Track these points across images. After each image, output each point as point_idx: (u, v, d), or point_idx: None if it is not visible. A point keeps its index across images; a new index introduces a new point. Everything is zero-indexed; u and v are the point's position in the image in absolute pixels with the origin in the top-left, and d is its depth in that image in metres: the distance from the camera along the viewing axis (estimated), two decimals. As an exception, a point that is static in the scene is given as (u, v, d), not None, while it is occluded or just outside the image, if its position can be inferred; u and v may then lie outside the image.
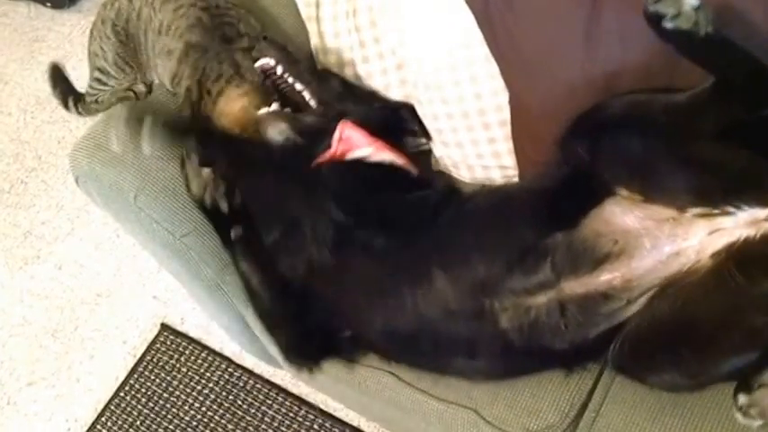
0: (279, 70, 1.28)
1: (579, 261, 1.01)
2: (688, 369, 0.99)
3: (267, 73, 1.28)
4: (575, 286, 1.01)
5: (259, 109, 1.26)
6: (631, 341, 1.02)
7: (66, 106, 1.52)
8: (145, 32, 1.35)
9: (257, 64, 1.28)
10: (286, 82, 1.30)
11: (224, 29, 1.32)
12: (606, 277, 1.00)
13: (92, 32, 1.44)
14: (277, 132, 1.25)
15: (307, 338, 1.17)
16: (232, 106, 1.27)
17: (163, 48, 1.32)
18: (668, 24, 0.89)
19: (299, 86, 1.30)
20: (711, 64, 0.95)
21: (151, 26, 1.33)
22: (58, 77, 1.53)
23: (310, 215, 1.13)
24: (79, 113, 1.51)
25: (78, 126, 2.41)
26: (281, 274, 1.15)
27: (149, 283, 2.03)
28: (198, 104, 1.28)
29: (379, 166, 1.22)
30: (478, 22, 1.23)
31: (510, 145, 1.31)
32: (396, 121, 1.36)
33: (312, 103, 1.31)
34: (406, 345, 1.10)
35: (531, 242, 1.04)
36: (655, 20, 0.90)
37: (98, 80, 1.44)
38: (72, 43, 2.66)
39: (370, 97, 1.39)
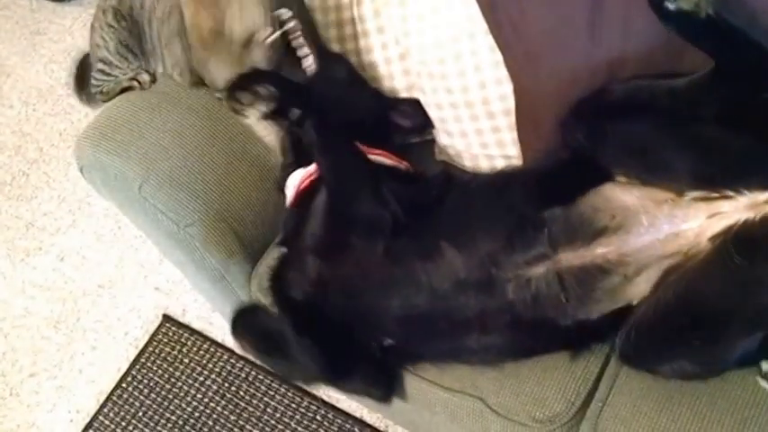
0: (292, 24, 1.27)
1: (576, 233, 1.03)
2: (698, 355, 0.99)
3: (281, 22, 1.28)
4: (571, 258, 1.02)
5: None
6: (638, 330, 1.02)
7: (80, 98, 1.54)
8: (149, 21, 1.35)
9: (276, 12, 1.27)
10: (296, 39, 1.29)
11: None
12: (601, 250, 1.01)
13: (93, 25, 1.44)
14: (262, 57, 1.25)
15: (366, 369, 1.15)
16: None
17: (170, 33, 1.32)
18: (670, 6, 0.90)
19: (305, 50, 1.30)
20: (712, 47, 0.96)
21: (155, 15, 1.33)
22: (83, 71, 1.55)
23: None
24: (85, 103, 1.52)
25: (80, 118, 2.41)
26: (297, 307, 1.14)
27: (151, 274, 2.03)
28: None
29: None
30: (482, 11, 1.22)
31: (514, 134, 1.31)
32: (396, 117, 1.37)
33: (309, 71, 1.31)
34: (423, 327, 1.10)
35: (529, 215, 1.06)
36: (657, 2, 0.91)
37: (101, 71, 1.44)
38: (73, 36, 2.66)
39: (372, 90, 1.39)
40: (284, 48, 1.29)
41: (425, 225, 1.10)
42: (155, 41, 1.37)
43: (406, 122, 1.39)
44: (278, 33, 1.25)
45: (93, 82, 1.48)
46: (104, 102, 1.44)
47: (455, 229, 1.09)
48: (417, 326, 1.10)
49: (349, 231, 1.11)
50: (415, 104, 1.39)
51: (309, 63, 1.30)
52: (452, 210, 1.12)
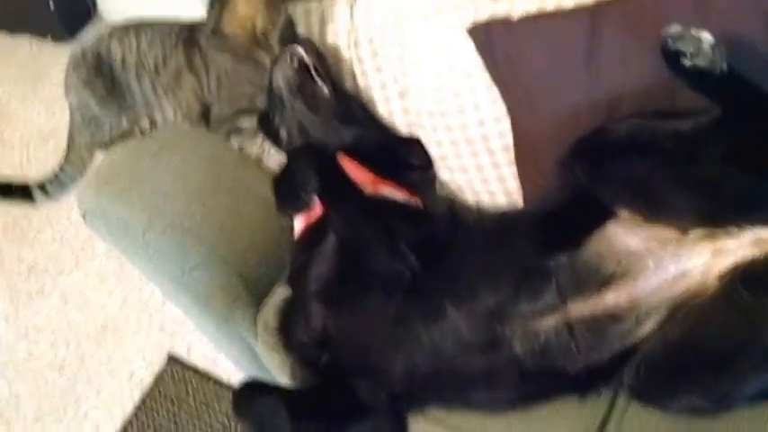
0: (307, 59, 1.28)
1: (584, 282, 1.02)
2: (708, 391, 0.98)
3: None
4: (581, 308, 1.01)
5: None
6: (647, 366, 1.01)
7: None
8: (138, 77, 1.36)
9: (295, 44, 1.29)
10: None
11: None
12: (611, 298, 1.01)
13: (67, 85, 1.44)
14: (281, 76, 1.26)
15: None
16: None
17: (168, 79, 1.33)
18: (687, 62, 0.91)
19: (320, 82, 1.31)
20: (722, 98, 0.97)
21: (146, 70, 1.34)
22: None
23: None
24: None
25: (81, 159, 2.42)
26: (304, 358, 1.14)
27: (155, 314, 2.02)
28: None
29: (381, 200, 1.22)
30: (479, 50, 1.24)
31: (514, 169, 1.31)
32: (401, 152, 1.37)
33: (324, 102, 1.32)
34: (428, 383, 1.09)
35: (534, 264, 1.04)
36: (673, 57, 0.92)
37: (95, 126, 1.44)
38: (73, 77, 2.67)
39: (381, 126, 1.40)
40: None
41: (429, 282, 1.08)
42: (148, 94, 1.37)
43: (413, 159, 1.40)
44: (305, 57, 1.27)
45: (92, 141, 1.47)
46: (108, 149, 1.44)
47: (458, 285, 1.07)
48: (422, 382, 1.08)
49: (363, 286, 1.09)
50: (417, 143, 1.40)
51: (325, 93, 1.31)
52: (456, 265, 1.10)
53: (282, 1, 1.31)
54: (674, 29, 0.93)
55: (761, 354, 0.93)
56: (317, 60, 1.29)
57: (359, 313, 1.10)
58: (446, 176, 1.40)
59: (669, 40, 0.93)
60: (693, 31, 0.92)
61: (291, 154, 1.28)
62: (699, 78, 0.94)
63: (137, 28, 1.37)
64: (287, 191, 1.17)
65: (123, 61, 1.35)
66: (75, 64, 1.41)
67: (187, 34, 1.34)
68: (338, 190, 1.17)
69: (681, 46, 0.92)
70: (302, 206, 1.16)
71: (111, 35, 1.39)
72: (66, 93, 1.45)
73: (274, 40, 1.31)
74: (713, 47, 0.91)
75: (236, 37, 1.31)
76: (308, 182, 1.12)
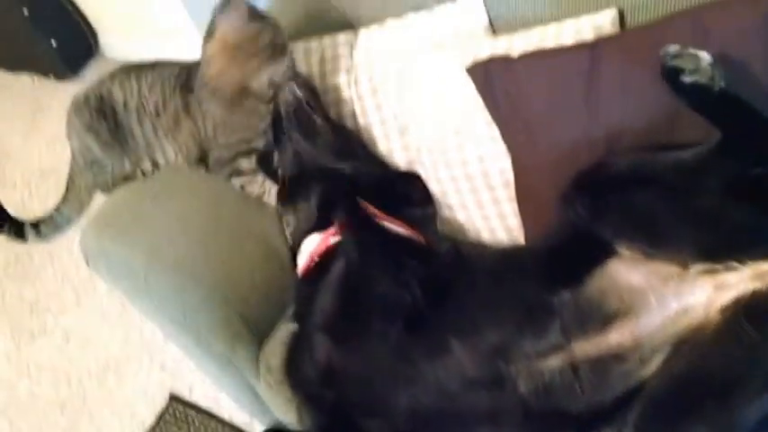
0: (299, 93, 1.30)
1: (587, 320, 1.01)
2: (715, 422, 0.97)
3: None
4: (586, 347, 1.00)
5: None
6: (652, 403, 1.00)
7: None
8: (140, 121, 1.36)
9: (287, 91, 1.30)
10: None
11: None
12: (616, 336, 1.00)
13: (69, 128, 1.45)
14: (282, 102, 1.28)
15: None
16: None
17: (168, 123, 1.34)
18: (687, 79, 0.92)
19: (318, 120, 1.32)
20: (721, 119, 0.97)
21: (146, 113, 1.35)
22: None
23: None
24: None
25: (83, 196, 2.42)
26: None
27: (157, 353, 2.01)
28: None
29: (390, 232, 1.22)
30: (478, 87, 1.25)
31: (515, 206, 1.31)
32: (401, 188, 1.37)
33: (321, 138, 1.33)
34: (432, 421, 1.08)
35: (538, 301, 1.04)
36: (672, 75, 0.93)
37: (98, 169, 1.45)
38: (75, 114, 2.69)
39: (380, 165, 1.40)
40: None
41: (433, 318, 1.08)
42: (149, 137, 1.38)
43: (413, 194, 1.40)
44: (298, 93, 1.29)
45: (94, 183, 1.48)
46: (111, 191, 1.44)
47: (462, 321, 1.06)
48: (426, 420, 1.07)
49: (365, 314, 1.09)
50: (417, 178, 1.40)
51: (319, 123, 1.32)
52: (460, 301, 1.10)
53: (279, 52, 1.29)
54: (673, 47, 0.95)
55: (765, 383, 0.92)
56: (310, 95, 1.30)
57: (363, 346, 1.09)
58: (447, 214, 1.40)
59: (668, 58, 0.94)
60: (692, 50, 0.93)
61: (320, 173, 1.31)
62: (698, 96, 0.94)
63: (138, 71, 1.38)
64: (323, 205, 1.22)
65: (125, 105, 1.36)
66: (77, 108, 1.41)
67: (185, 79, 1.34)
68: (358, 212, 1.19)
69: (680, 63, 0.93)
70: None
71: (112, 78, 1.40)
72: (68, 136, 1.46)
73: (263, 86, 1.30)
74: (711, 65, 0.92)
75: (221, 89, 1.31)
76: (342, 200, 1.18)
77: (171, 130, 1.34)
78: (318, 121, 1.31)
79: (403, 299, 1.07)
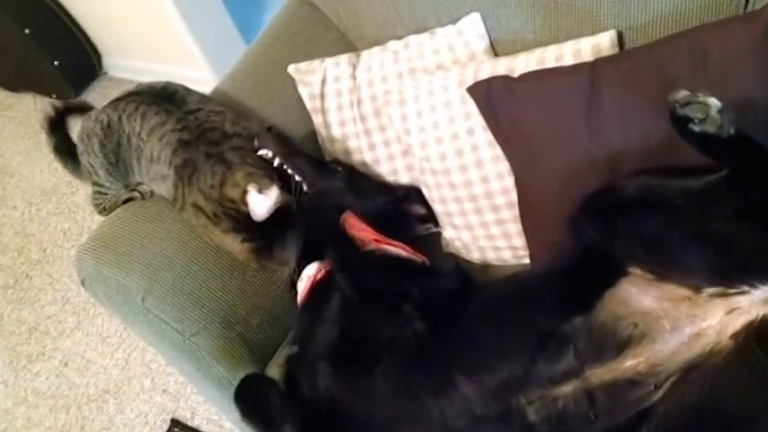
0: (276, 161, 1.28)
1: (602, 347, 0.98)
2: None
3: (268, 162, 1.28)
4: (600, 373, 0.98)
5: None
6: (664, 430, 0.98)
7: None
8: (138, 159, 1.34)
9: (258, 153, 1.28)
10: (285, 171, 1.30)
11: (207, 135, 1.29)
12: (631, 362, 0.98)
13: (80, 145, 1.43)
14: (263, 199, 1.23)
15: None
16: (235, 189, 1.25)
17: (157, 173, 1.32)
18: (695, 128, 0.90)
19: (297, 178, 1.30)
20: (730, 160, 0.96)
21: (144, 155, 1.33)
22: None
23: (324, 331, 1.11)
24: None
25: (84, 216, 2.42)
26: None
27: (158, 376, 1.98)
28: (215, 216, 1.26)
29: (386, 259, 1.20)
30: (480, 108, 1.23)
31: (519, 226, 1.29)
32: (401, 212, 1.35)
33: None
34: None
35: (550, 329, 1.01)
36: (682, 123, 0.91)
37: (98, 192, 1.45)
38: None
39: (377, 188, 1.38)
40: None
41: (439, 353, 1.06)
42: (143, 175, 1.36)
43: (418, 209, 1.39)
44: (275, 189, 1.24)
45: (93, 201, 1.48)
46: (109, 213, 1.42)
47: (470, 358, 1.04)
48: None
49: (367, 351, 1.06)
50: (418, 192, 1.39)
51: (306, 189, 1.30)
52: (466, 335, 1.07)
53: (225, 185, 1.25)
54: (682, 94, 0.92)
55: None
56: (280, 148, 1.28)
57: (365, 383, 1.07)
58: (451, 234, 1.38)
59: (677, 106, 0.92)
60: (701, 97, 0.91)
61: (301, 208, 1.27)
62: (707, 143, 0.92)
63: (146, 107, 1.33)
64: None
65: (129, 140, 1.34)
66: (86, 132, 1.40)
67: (181, 161, 1.28)
68: (344, 251, 1.16)
69: (689, 112, 0.91)
70: None
71: (123, 108, 1.35)
72: (80, 152, 1.45)
73: (228, 204, 1.25)
74: (721, 111, 0.90)
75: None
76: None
77: (164, 178, 1.31)
78: (296, 177, 1.30)
79: (403, 335, 1.05)
